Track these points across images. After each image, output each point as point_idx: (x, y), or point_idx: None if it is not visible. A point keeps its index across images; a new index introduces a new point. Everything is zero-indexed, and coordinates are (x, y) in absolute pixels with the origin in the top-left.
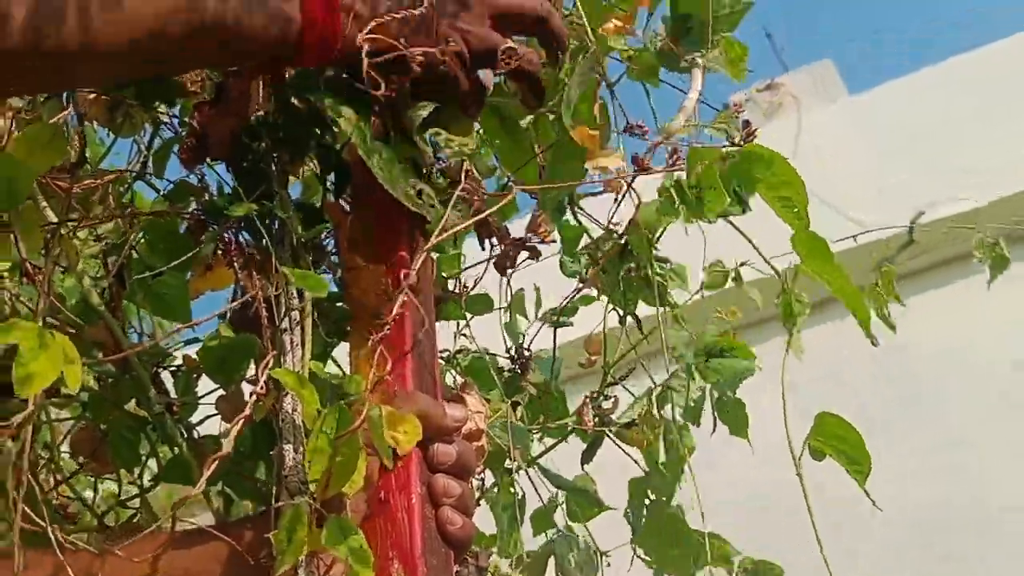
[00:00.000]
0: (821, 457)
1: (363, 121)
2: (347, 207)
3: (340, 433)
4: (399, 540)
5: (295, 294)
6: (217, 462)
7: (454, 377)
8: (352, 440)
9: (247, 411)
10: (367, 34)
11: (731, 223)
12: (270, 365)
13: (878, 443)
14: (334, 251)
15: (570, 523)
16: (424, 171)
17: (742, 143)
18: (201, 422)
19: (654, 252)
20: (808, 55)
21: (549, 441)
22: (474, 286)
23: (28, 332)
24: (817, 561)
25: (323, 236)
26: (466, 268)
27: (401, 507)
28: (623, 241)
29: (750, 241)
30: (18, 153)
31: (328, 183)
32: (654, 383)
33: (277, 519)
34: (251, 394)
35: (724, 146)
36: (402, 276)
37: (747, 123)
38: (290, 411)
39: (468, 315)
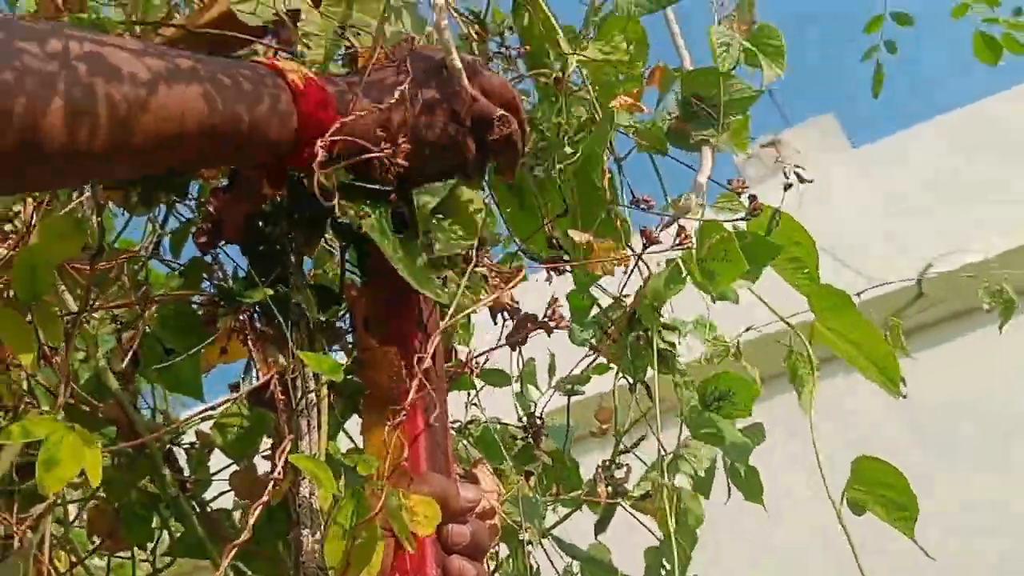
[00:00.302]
0: (862, 511)
1: (380, 214)
2: (361, 286)
3: (359, 520)
4: None
5: (311, 375)
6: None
7: (467, 447)
8: (371, 526)
9: (264, 497)
10: (339, 136)
11: (749, 288)
12: (287, 449)
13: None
14: (349, 330)
15: None
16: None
17: (750, 217)
18: (215, 498)
19: (662, 320)
20: (810, 109)
21: (563, 511)
22: (485, 360)
23: (53, 429)
24: None
25: (339, 316)
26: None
27: None
28: (632, 311)
29: (766, 303)
30: (39, 244)
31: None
32: (664, 450)
33: None
34: (268, 479)
35: (735, 219)
36: (415, 361)
37: (753, 198)
38: (307, 495)
39: (479, 385)
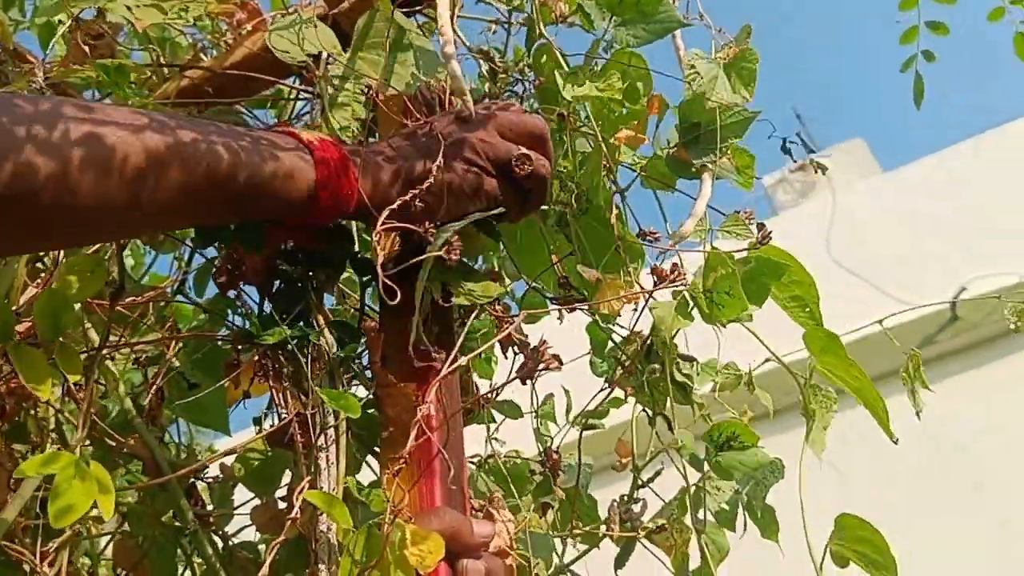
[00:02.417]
0: (844, 563)
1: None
2: (379, 323)
3: (370, 555)
4: None
5: (330, 412)
6: (248, 572)
7: (486, 482)
8: (383, 561)
9: (283, 535)
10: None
11: (746, 327)
12: (305, 487)
13: (933, 524)
14: (368, 367)
15: None
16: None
17: (759, 245)
18: (238, 531)
19: (679, 352)
20: (839, 134)
21: (582, 546)
22: (498, 393)
23: (66, 464)
24: None
25: (359, 353)
26: (499, 384)
27: None
28: (648, 343)
29: (764, 344)
30: (63, 282)
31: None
32: (687, 482)
33: None
34: (287, 516)
35: (740, 250)
36: (429, 398)
37: (762, 226)
38: (325, 530)
39: (498, 419)
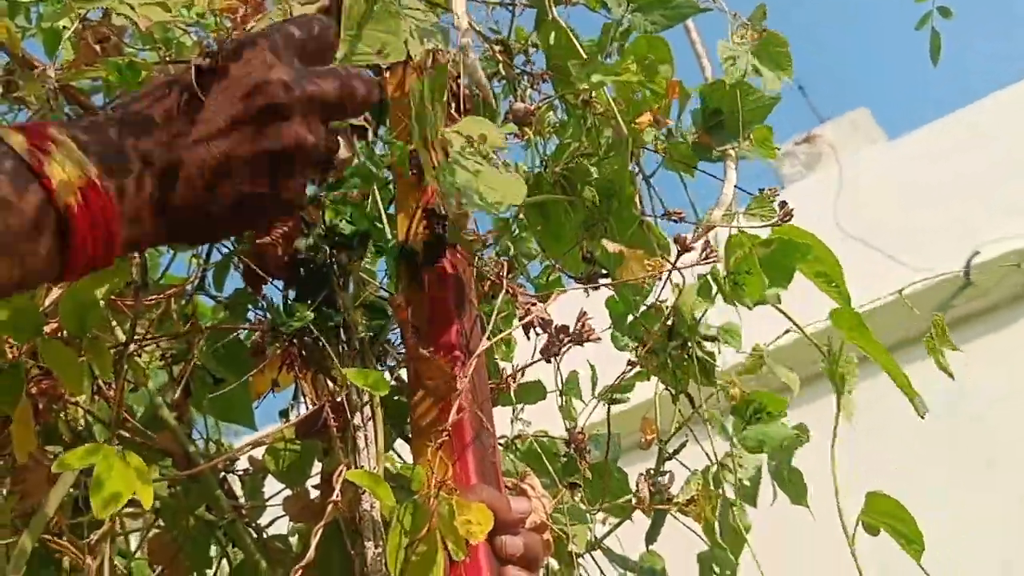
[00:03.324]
0: (875, 532)
1: None
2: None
3: (416, 529)
4: None
5: (364, 392)
6: (284, 564)
7: (514, 462)
8: (431, 535)
9: (326, 518)
10: None
11: (774, 305)
12: (343, 471)
13: (953, 492)
14: (399, 345)
15: None
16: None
17: (779, 223)
18: (271, 523)
19: (700, 330)
20: (842, 104)
21: (612, 522)
22: (522, 374)
23: (106, 455)
24: None
25: (388, 331)
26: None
27: None
28: (669, 322)
29: (792, 320)
30: (86, 280)
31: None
32: (710, 459)
33: None
34: (323, 502)
35: (760, 226)
36: (461, 368)
37: (784, 203)
38: (368, 508)
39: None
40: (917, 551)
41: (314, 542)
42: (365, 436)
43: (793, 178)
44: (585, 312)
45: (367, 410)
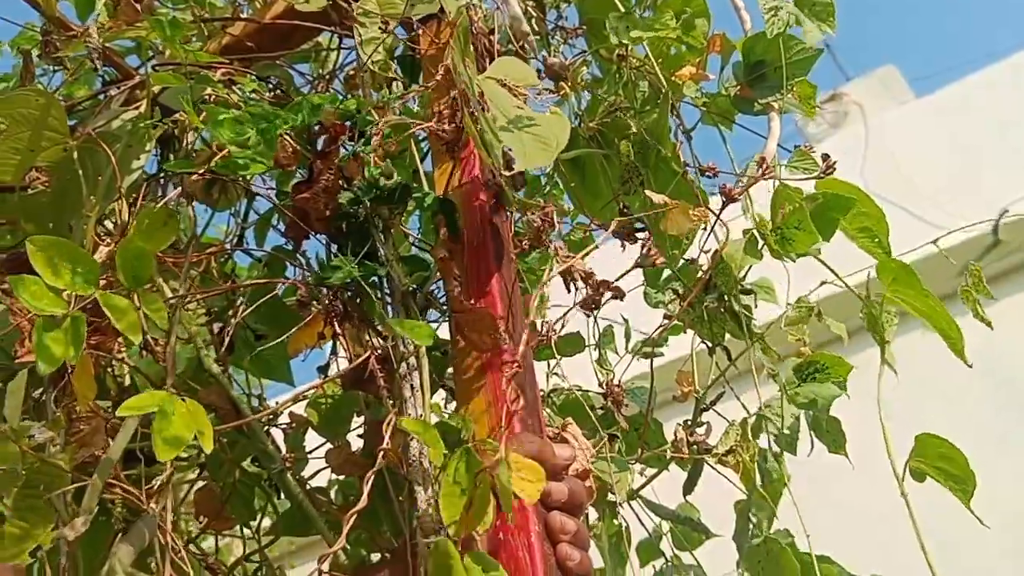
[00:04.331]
0: (922, 479)
1: None
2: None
3: (468, 476)
4: None
5: (408, 343)
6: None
7: (550, 416)
8: (484, 481)
9: (377, 465)
10: None
11: (817, 258)
12: (392, 419)
13: (982, 452)
14: (442, 297)
15: (676, 552)
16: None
17: (822, 176)
18: (312, 476)
19: (739, 284)
20: (868, 62)
21: (649, 473)
22: (562, 327)
23: (166, 400)
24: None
25: (430, 283)
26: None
27: (521, 545)
28: (707, 275)
29: (835, 272)
30: (138, 236)
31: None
32: (747, 410)
33: (414, 557)
34: (376, 449)
35: (804, 178)
36: (514, 315)
37: (826, 156)
38: (417, 455)
39: (557, 356)
40: (967, 493)
41: (366, 488)
42: (411, 386)
43: (819, 137)
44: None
45: (413, 361)
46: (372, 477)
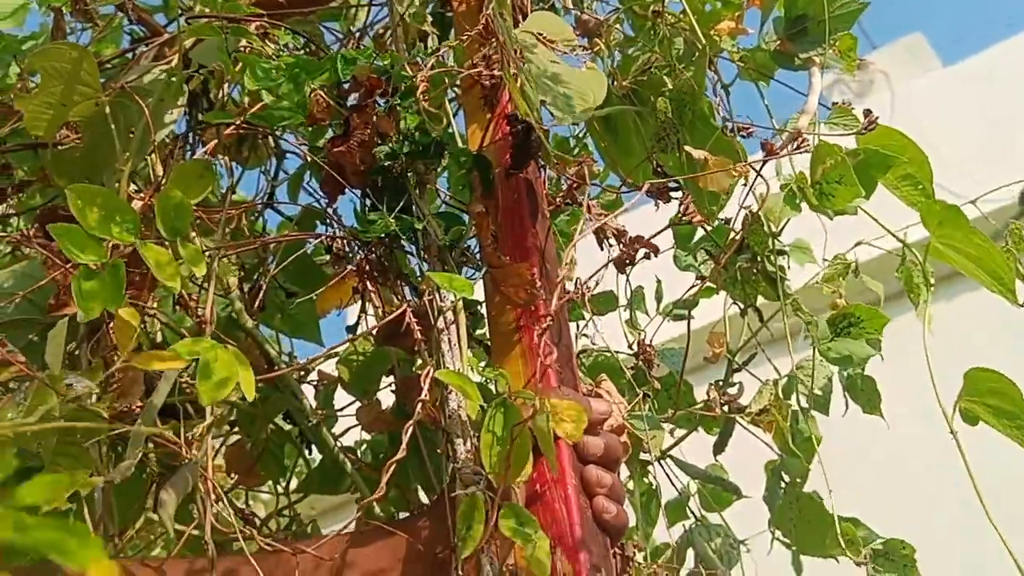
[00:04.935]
0: (975, 422)
1: None
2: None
3: (508, 427)
4: (559, 530)
5: (444, 298)
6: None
7: (582, 377)
8: (524, 432)
9: (416, 416)
10: None
11: (862, 209)
12: (431, 372)
13: None
14: (476, 251)
15: (705, 513)
16: None
17: (864, 132)
18: (342, 434)
19: (772, 245)
20: (894, 30)
21: (680, 433)
22: (596, 284)
23: (210, 345)
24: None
25: (465, 238)
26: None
27: (558, 498)
28: (741, 236)
29: (877, 221)
30: (175, 187)
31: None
32: (777, 372)
33: (452, 509)
34: (415, 400)
35: (848, 133)
36: (548, 271)
37: (868, 112)
38: (455, 407)
39: (587, 315)
40: (1021, 430)
41: (405, 439)
42: (448, 339)
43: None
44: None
45: (450, 315)
46: (411, 429)
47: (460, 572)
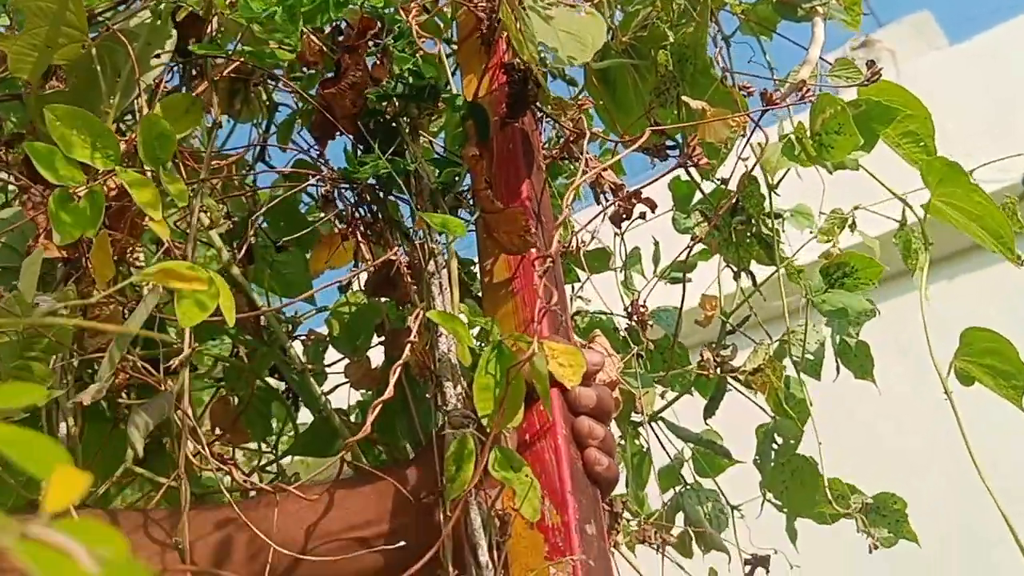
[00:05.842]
0: (970, 382)
1: None
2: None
3: (506, 369)
4: (548, 480)
5: (436, 240)
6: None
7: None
8: (517, 376)
9: (404, 358)
10: None
11: (861, 165)
12: (421, 314)
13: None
14: (470, 196)
15: (698, 478)
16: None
17: (867, 84)
18: (330, 391)
19: (767, 207)
20: (901, 7)
21: (671, 397)
22: (592, 237)
23: (187, 267)
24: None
25: (458, 181)
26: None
27: (548, 448)
28: (735, 197)
29: (877, 179)
30: (161, 113)
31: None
32: (770, 337)
33: (440, 454)
34: (406, 340)
35: (850, 85)
36: (543, 222)
37: (872, 63)
38: (446, 351)
39: (582, 277)
40: (1017, 391)
41: (393, 379)
42: (440, 283)
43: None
44: (696, 139)
45: (441, 259)
46: (398, 370)
47: (447, 516)
